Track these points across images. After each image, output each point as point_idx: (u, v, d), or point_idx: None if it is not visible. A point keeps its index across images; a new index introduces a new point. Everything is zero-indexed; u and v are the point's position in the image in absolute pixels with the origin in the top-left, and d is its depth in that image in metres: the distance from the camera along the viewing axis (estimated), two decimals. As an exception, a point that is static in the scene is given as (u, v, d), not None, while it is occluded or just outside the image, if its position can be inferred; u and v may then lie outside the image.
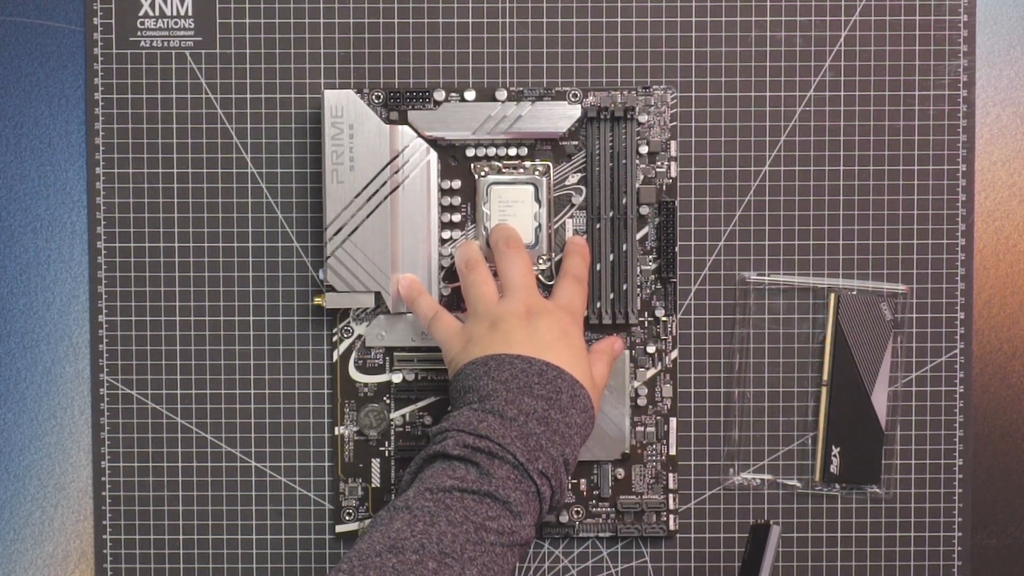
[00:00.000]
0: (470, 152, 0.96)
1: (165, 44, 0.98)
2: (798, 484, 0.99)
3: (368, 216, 0.94)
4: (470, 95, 0.96)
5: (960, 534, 0.99)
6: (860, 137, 0.97)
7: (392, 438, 0.99)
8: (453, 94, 0.96)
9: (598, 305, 0.97)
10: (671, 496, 0.98)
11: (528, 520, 0.82)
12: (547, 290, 0.96)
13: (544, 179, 0.96)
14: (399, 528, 0.78)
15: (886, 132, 0.97)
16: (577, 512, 0.99)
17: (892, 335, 0.98)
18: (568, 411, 0.85)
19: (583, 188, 0.97)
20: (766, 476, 0.99)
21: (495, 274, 0.94)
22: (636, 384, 0.98)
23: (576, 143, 0.97)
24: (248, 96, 0.98)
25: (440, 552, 0.77)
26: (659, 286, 0.98)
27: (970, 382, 0.98)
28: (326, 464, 0.99)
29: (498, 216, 0.96)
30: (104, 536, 0.99)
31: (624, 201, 0.96)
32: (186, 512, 0.99)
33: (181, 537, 0.99)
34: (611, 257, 0.96)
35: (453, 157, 0.96)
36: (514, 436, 0.82)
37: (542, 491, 0.83)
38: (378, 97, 0.96)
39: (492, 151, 0.96)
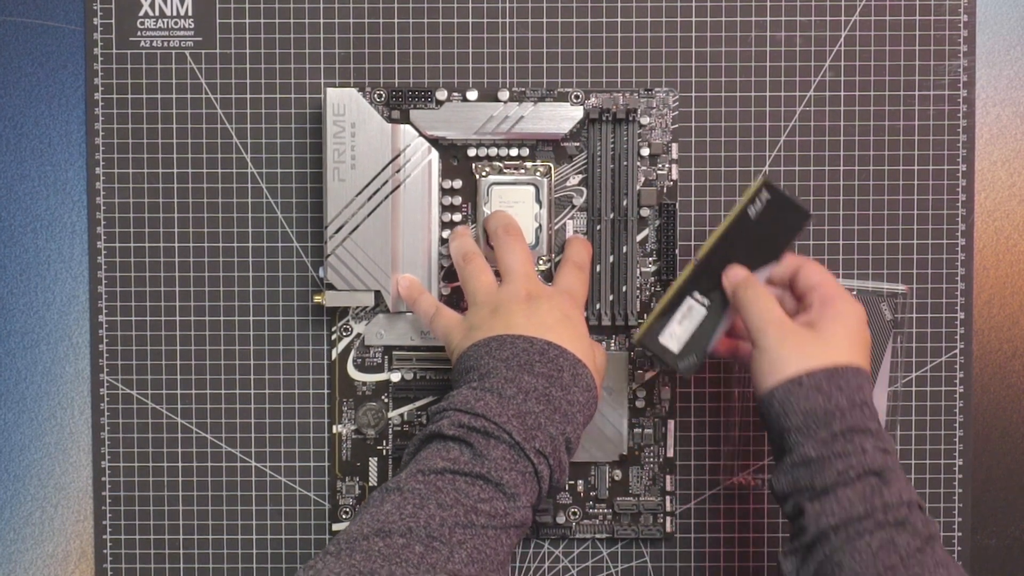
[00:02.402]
0: (471, 152, 0.96)
1: (165, 44, 0.98)
2: (798, 484, 0.99)
3: (369, 215, 0.94)
4: (472, 95, 0.96)
5: (960, 534, 0.99)
6: (860, 137, 0.98)
7: (390, 437, 0.99)
8: (455, 94, 0.96)
9: (597, 306, 0.97)
10: (668, 498, 0.98)
11: (523, 502, 0.81)
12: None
13: (545, 180, 0.96)
14: (388, 511, 0.78)
15: (886, 132, 0.98)
16: (574, 513, 0.98)
17: (892, 335, 0.98)
18: (570, 389, 0.85)
19: (584, 190, 0.97)
20: (766, 476, 0.99)
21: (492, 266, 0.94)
22: (635, 386, 0.98)
23: (578, 144, 0.97)
24: (248, 96, 0.98)
25: (428, 536, 0.77)
26: (659, 288, 0.98)
27: (970, 382, 0.99)
28: (325, 464, 0.99)
29: (499, 216, 0.97)
30: (104, 536, 0.99)
31: (625, 203, 0.96)
32: (186, 512, 0.99)
33: (181, 537, 0.99)
34: (611, 259, 0.96)
35: (454, 157, 0.97)
36: (511, 415, 0.82)
37: (540, 471, 0.82)
38: (380, 96, 0.96)
39: (493, 151, 0.96)
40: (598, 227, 0.96)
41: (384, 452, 0.99)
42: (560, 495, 0.98)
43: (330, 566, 0.75)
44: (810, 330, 0.84)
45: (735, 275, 0.89)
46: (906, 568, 0.76)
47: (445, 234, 0.97)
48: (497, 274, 0.92)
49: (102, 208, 0.98)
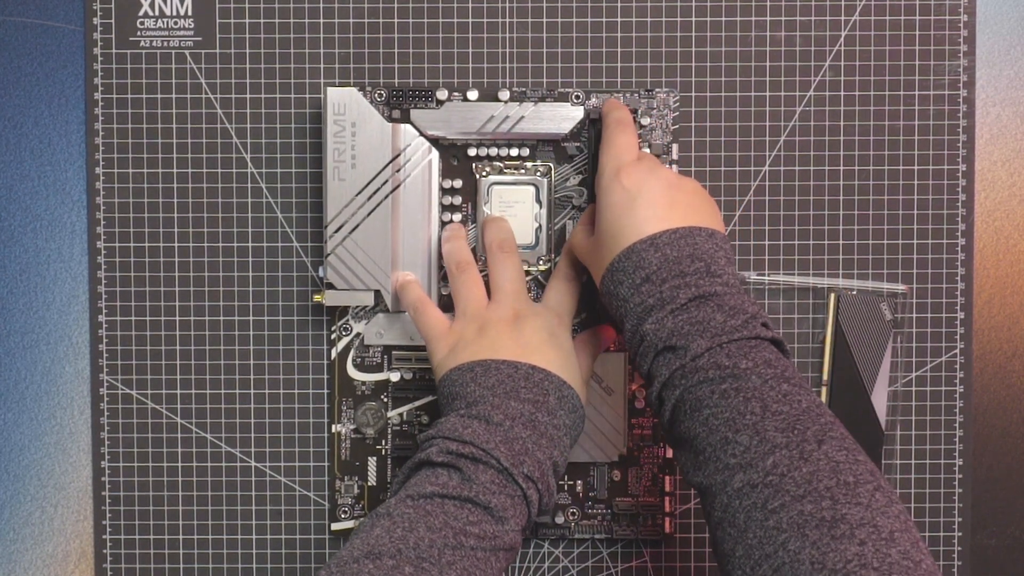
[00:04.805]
0: (472, 152, 0.96)
1: (165, 44, 0.98)
2: (798, 484, 0.99)
3: (369, 214, 0.94)
4: (473, 95, 0.96)
5: (960, 534, 0.99)
6: (860, 137, 0.98)
7: (389, 437, 0.99)
8: (456, 93, 0.96)
9: (597, 307, 0.97)
10: (667, 499, 0.98)
11: (512, 525, 0.82)
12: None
13: (545, 180, 0.96)
14: (378, 535, 0.78)
15: (886, 132, 0.98)
16: (573, 513, 0.98)
17: (892, 335, 0.98)
18: (556, 413, 0.85)
19: (584, 190, 0.97)
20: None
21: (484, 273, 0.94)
22: (633, 387, 0.98)
23: (578, 145, 0.97)
24: (248, 96, 0.98)
25: (417, 557, 0.77)
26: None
27: (970, 382, 0.99)
28: (325, 464, 0.99)
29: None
30: (104, 536, 0.99)
31: (624, 202, 0.96)
32: (186, 512, 0.99)
33: (181, 537, 0.99)
34: (611, 258, 0.96)
35: (455, 156, 0.97)
36: (499, 441, 0.82)
37: (528, 495, 0.82)
38: (380, 95, 0.96)
39: (494, 151, 0.96)
40: (598, 227, 0.96)
41: (383, 452, 0.99)
42: (560, 495, 0.98)
43: None
44: (595, 243, 0.88)
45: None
46: (717, 417, 0.78)
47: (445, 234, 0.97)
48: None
49: (102, 208, 0.98)
